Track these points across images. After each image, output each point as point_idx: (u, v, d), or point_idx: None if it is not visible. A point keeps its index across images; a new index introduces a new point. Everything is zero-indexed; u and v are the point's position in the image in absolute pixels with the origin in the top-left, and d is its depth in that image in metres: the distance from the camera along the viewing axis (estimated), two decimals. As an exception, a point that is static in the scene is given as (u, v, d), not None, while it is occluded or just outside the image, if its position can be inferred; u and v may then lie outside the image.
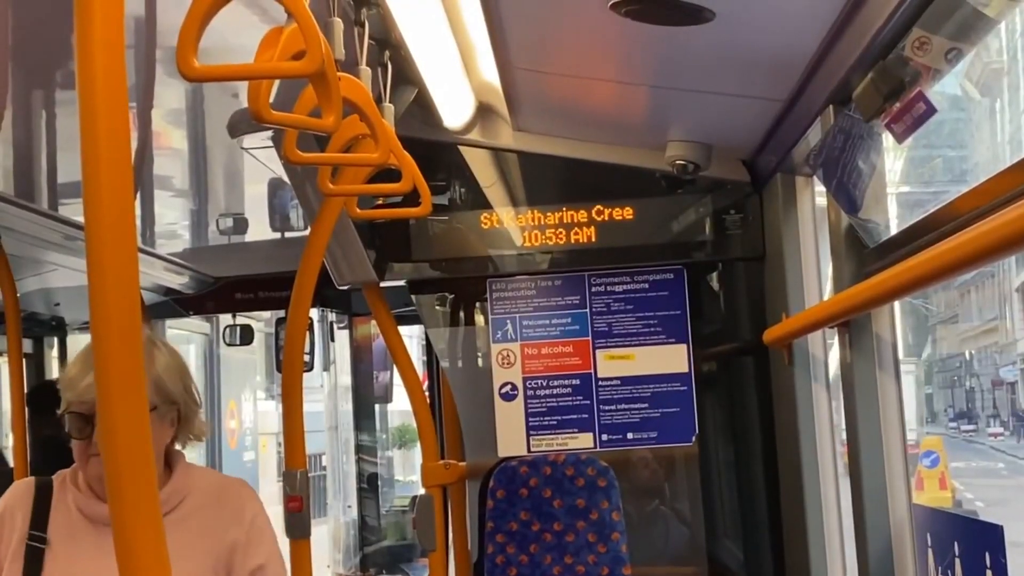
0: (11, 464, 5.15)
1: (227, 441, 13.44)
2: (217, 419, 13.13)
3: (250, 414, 15.22)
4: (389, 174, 3.01)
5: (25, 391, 4.85)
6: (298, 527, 3.71)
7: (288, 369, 3.82)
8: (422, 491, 4.86)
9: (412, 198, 3.22)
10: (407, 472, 14.86)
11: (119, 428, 1.49)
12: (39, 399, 5.64)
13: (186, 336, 12.46)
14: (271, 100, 2.16)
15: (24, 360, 5.20)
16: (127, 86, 1.59)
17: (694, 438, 4.79)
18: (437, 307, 5.13)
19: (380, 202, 4.31)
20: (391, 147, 2.80)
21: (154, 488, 1.51)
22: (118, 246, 1.54)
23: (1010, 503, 22.05)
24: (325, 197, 3.48)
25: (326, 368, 8.99)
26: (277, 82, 2.28)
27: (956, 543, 3.04)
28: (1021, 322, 36.68)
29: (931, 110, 2.69)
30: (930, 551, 3.23)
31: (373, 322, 8.20)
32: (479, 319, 4.99)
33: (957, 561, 3.01)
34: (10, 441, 5.68)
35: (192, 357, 13.05)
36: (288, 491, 3.67)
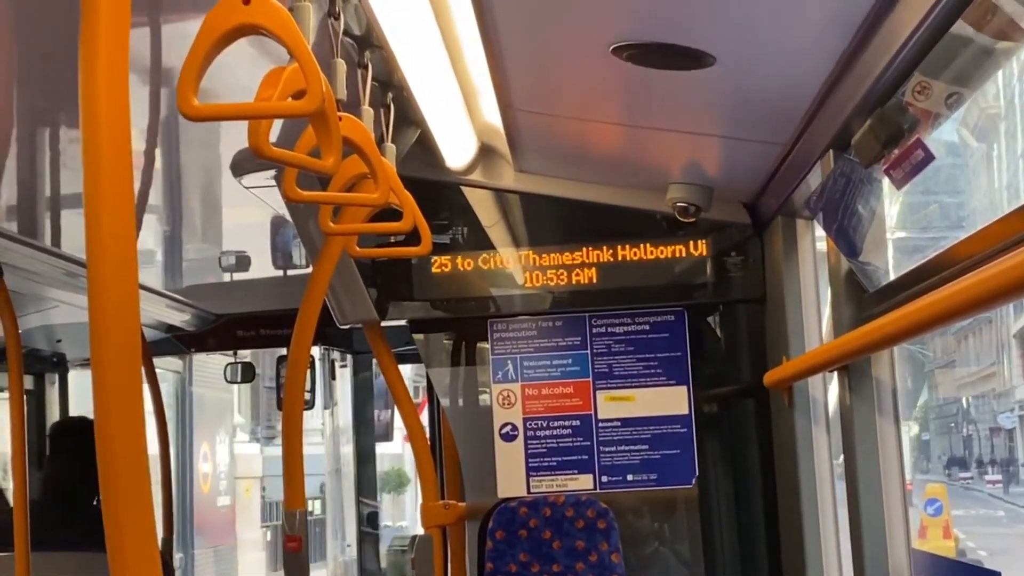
0: (12, 504, 5.14)
1: (199, 485, 13.21)
2: (188, 462, 12.89)
3: (225, 457, 14.94)
4: (390, 213, 3.03)
5: (26, 429, 4.84)
6: (296, 568, 3.70)
7: (289, 408, 3.82)
8: (421, 531, 4.85)
9: (413, 237, 3.24)
10: (396, 517, 14.75)
11: (119, 465, 1.49)
12: (54, 439, 5.61)
13: (160, 375, 12.36)
14: (274, 139, 2.17)
15: (25, 397, 5.19)
16: (130, 123, 1.60)
17: (694, 480, 4.79)
18: (439, 345, 5.13)
19: (392, 240, 4.32)
20: (392, 187, 2.82)
21: (151, 523, 1.52)
22: (119, 282, 1.55)
23: (1013, 552, 21.95)
24: (327, 236, 3.49)
25: (327, 407, 8.99)
26: (279, 120, 2.29)
27: (955, 588, 3.03)
28: (1019, 368, 36.59)
29: (929, 157, 2.70)
30: (929, 596, 3.22)
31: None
32: (480, 359, 4.99)
33: (956, 606, 3.00)
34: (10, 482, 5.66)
35: (163, 396, 12.92)
36: (287, 531, 3.66)
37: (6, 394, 5.32)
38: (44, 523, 4.64)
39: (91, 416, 1.49)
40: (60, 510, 5.29)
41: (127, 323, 1.54)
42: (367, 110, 2.94)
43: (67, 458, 5.57)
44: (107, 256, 1.54)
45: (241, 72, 2.65)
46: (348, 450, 9.10)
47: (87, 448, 5.87)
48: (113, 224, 1.54)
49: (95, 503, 5.81)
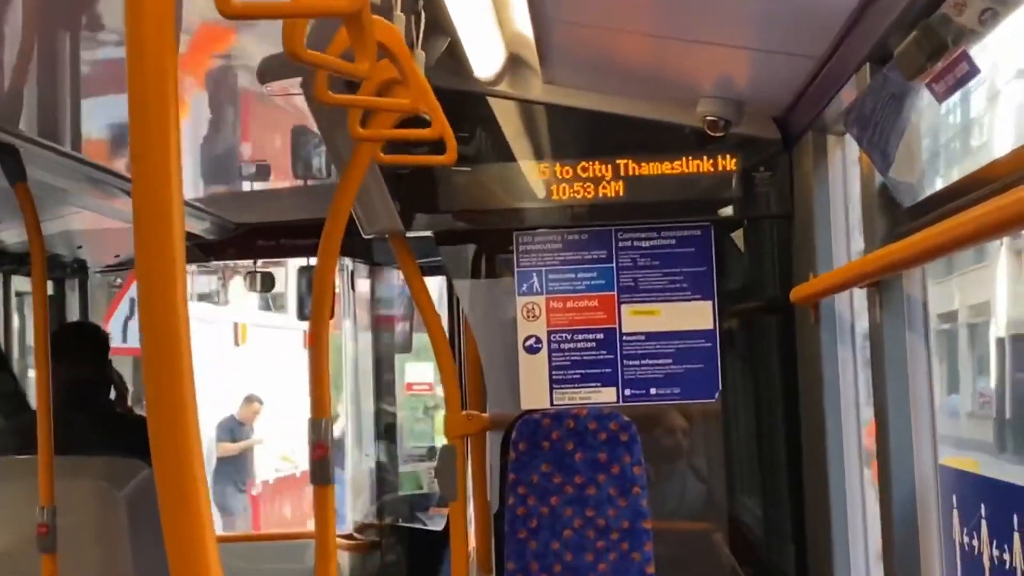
0: (34, 407, 5.16)
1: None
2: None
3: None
4: (415, 120, 3.00)
5: (49, 333, 4.85)
6: (322, 474, 3.72)
7: (315, 318, 3.81)
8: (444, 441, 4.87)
9: (438, 146, 3.21)
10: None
11: (164, 374, 1.49)
12: (59, 342, 5.63)
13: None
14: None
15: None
16: (175, 27, 1.57)
17: (717, 395, 4.79)
18: (464, 257, 5.12)
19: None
20: (423, 93, 2.79)
21: (197, 437, 1.51)
22: (162, 192, 1.53)
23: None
24: (356, 143, 3.46)
25: (347, 317, 8.97)
26: (310, 25, 2.26)
27: (983, 505, 3.04)
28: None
29: (975, 70, 2.66)
30: (955, 512, 3.23)
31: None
32: (505, 271, 4.97)
33: (983, 523, 3.01)
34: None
35: None
36: (313, 438, 3.68)
37: (28, 299, 5.33)
38: (63, 427, 4.66)
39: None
40: (78, 414, 5.31)
41: (170, 229, 1.53)
42: (399, 15, 2.90)
43: (76, 362, 5.58)
44: (151, 165, 1.52)
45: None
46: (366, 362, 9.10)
47: (93, 352, 5.86)
48: (158, 131, 1.52)
49: (113, 408, 5.85)
